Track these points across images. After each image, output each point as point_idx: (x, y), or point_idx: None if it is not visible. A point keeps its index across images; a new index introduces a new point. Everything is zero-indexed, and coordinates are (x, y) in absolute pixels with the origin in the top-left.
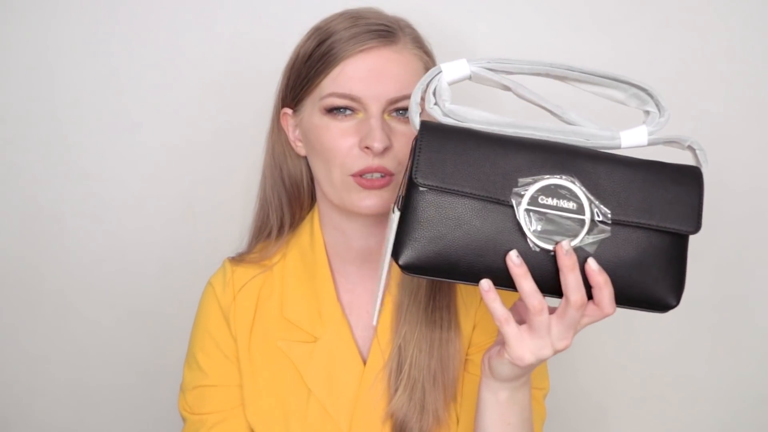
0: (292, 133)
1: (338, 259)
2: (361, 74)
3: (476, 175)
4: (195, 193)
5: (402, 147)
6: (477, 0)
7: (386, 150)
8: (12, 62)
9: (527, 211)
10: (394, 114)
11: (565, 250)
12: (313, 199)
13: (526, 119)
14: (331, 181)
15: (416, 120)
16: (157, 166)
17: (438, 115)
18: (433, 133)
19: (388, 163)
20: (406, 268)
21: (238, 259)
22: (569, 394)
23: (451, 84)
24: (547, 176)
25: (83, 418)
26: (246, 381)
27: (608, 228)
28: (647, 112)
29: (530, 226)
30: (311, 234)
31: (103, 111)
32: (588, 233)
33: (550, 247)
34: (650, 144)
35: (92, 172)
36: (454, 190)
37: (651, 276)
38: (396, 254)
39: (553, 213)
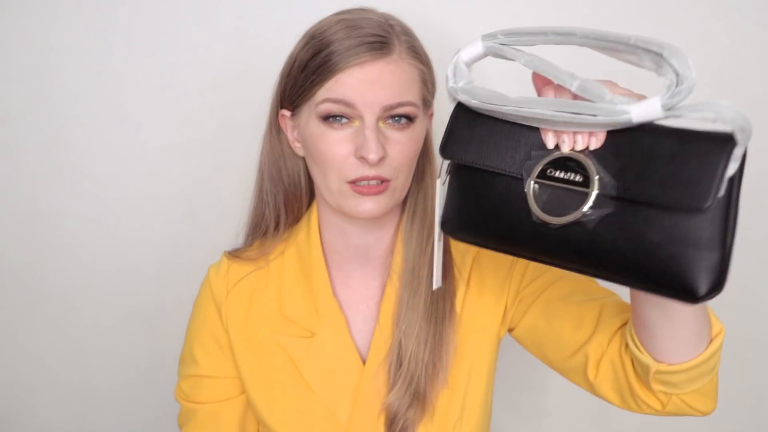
0: (291, 134)
1: (336, 256)
2: (355, 83)
3: (497, 151)
4: (194, 192)
5: (397, 155)
6: (476, 1)
7: (381, 159)
8: (12, 62)
9: (535, 183)
10: (390, 122)
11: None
12: (311, 196)
13: (540, 98)
14: (329, 187)
15: (451, 98)
16: (157, 166)
17: (455, 92)
18: (463, 112)
19: (384, 171)
20: (450, 235)
21: (235, 255)
22: (569, 393)
23: (468, 63)
24: (558, 152)
25: (83, 418)
26: (243, 374)
27: (612, 203)
28: (664, 78)
29: (535, 199)
30: (308, 231)
31: (103, 111)
32: (591, 207)
33: (551, 220)
34: (669, 117)
35: (92, 172)
36: (474, 164)
37: (675, 257)
38: (440, 224)
39: (558, 186)
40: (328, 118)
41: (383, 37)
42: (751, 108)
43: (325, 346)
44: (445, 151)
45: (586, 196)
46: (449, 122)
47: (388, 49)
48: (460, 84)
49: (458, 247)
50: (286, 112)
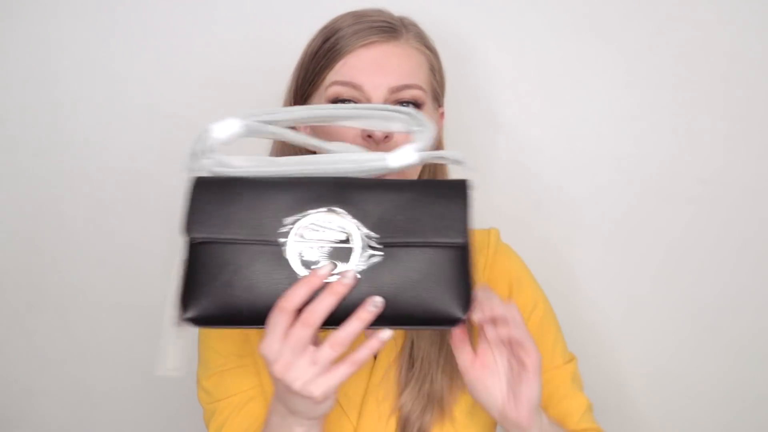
0: (303, 129)
1: None
2: (362, 65)
3: (247, 221)
4: None
5: (403, 138)
6: (480, 3)
7: (387, 138)
8: (12, 62)
9: (295, 247)
10: (397, 105)
11: (320, 274)
12: None
13: (297, 157)
14: None
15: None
16: (157, 165)
17: (209, 167)
18: (202, 185)
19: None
20: (193, 322)
21: None
22: None
23: (224, 143)
24: (313, 211)
25: (83, 418)
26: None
27: (380, 253)
28: (413, 132)
29: (297, 262)
30: None
31: (103, 111)
32: (358, 259)
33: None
34: (422, 161)
35: (92, 172)
36: (226, 239)
37: (432, 292)
38: (182, 308)
39: (320, 245)
40: (336, 101)
41: (391, 24)
42: (752, 108)
43: None
44: (190, 228)
45: (350, 251)
46: (190, 197)
47: (395, 33)
48: (216, 157)
49: (476, 258)
50: None
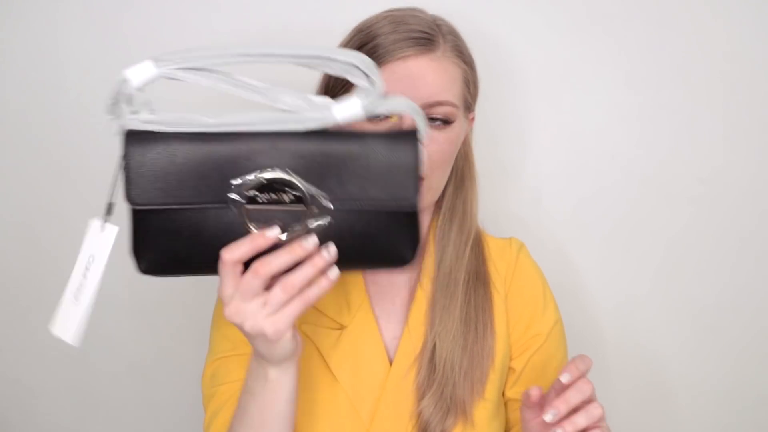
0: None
1: None
2: (397, 79)
3: (193, 183)
4: None
5: (433, 153)
6: (480, 3)
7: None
8: (13, 63)
9: (248, 208)
10: (428, 121)
11: (266, 236)
12: None
13: (239, 111)
14: None
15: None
16: None
17: (138, 125)
18: (138, 145)
19: None
20: (147, 273)
21: None
22: None
23: (140, 88)
24: (259, 172)
25: (83, 418)
26: None
27: (328, 214)
28: (360, 86)
29: (254, 223)
30: None
31: (104, 111)
32: (309, 221)
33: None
34: (368, 116)
35: (92, 172)
36: (175, 204)
37: (382, 243)
38: (135, 261)
39: (272, 209)
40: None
41: (429, 34)
42: (752, 108)
43: (354, 339)
44: (133, 197)
45: (301, 213)
46: (126, 163)
47: (432, 46)
48: (144, 116)
49: (497, 267)
50: None
